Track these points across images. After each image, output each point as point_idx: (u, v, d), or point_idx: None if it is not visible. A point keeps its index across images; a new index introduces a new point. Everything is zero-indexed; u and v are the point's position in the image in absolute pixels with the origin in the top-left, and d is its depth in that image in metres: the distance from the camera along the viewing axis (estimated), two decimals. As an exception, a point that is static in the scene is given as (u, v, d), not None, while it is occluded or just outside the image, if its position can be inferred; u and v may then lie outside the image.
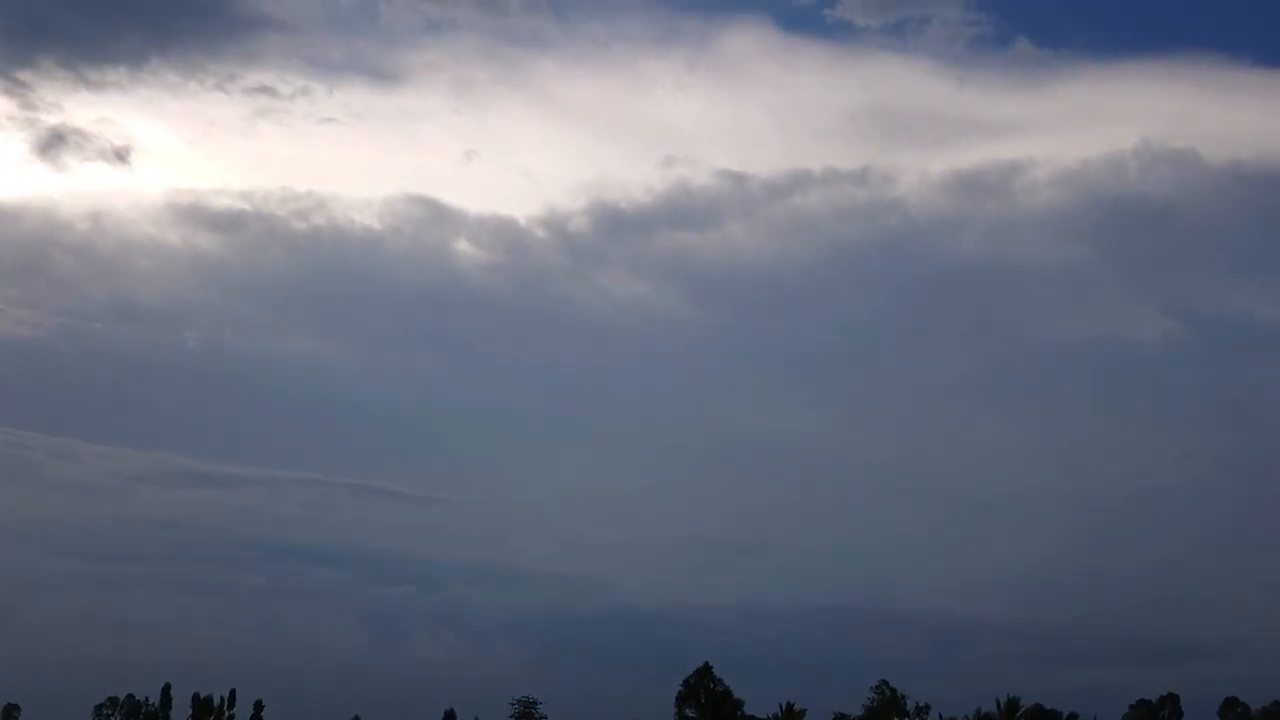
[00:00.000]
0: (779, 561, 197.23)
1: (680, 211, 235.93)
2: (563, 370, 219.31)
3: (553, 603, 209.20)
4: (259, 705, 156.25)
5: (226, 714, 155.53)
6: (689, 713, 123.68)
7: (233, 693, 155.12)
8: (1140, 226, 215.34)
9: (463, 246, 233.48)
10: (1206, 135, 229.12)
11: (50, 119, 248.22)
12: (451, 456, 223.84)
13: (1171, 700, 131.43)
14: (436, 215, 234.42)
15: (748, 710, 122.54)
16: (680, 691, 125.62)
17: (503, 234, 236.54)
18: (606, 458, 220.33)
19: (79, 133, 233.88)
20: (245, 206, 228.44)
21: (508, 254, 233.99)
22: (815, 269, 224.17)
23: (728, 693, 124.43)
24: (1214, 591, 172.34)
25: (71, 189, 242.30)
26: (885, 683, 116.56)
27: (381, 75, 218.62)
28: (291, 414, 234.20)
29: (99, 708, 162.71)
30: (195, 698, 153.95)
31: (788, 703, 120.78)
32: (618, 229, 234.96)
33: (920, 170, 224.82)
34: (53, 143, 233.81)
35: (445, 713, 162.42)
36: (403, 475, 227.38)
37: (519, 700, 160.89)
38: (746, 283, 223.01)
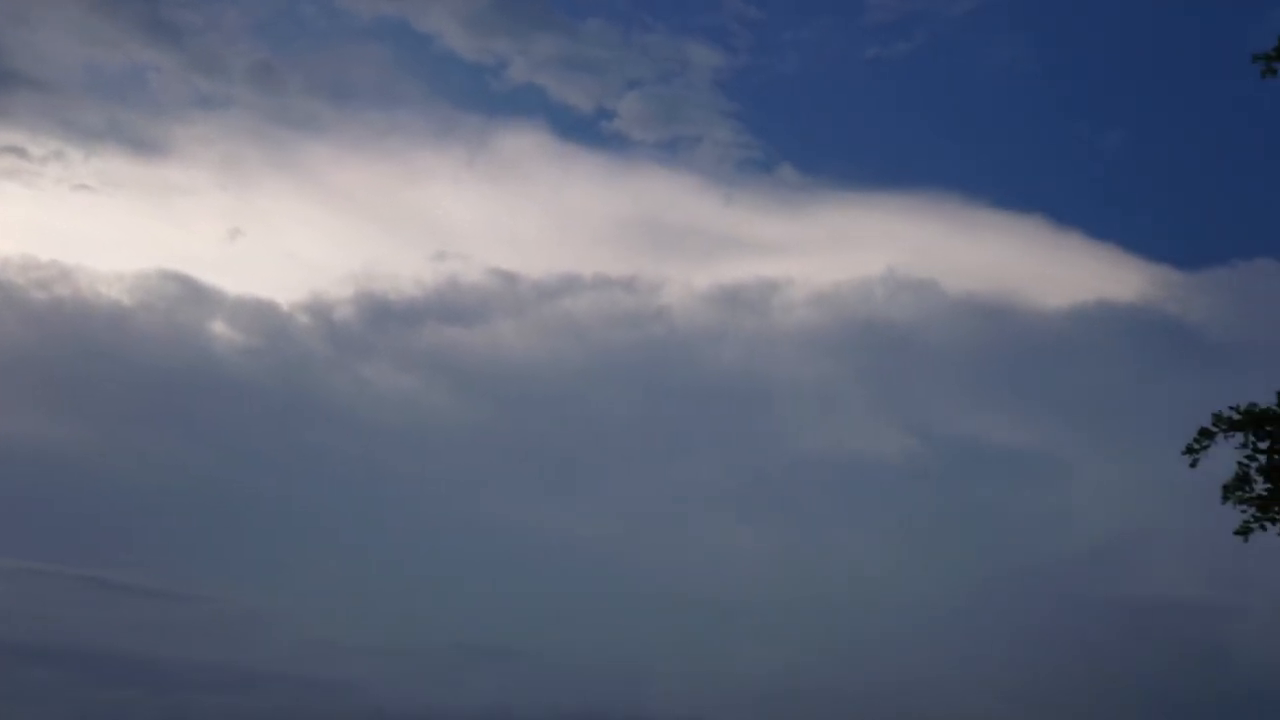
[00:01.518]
0: (533, 665, 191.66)
1: (450, 306, 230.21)
2: (321, 462, 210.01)
3: (292, 707, 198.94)
4: None
5: None
6: None
7: None
8: (885, 349, 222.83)
9: (219, 328, 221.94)
10: (946, 267, 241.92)
11: None
12: (199, 549, 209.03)
13: None
14: (193, 294, 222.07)
15: None
16: None
17: (263, 318, 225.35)
18: (364, 555, 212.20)
19: None
20: None
21: (267, 338, 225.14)
22: (582, 371, 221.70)
23: None
24: (941, 703, 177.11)
25: None
26: None
27: (144, 145, 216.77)
28: (18, 498, 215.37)
29: None
30: None
31: None
32: (384, 320, 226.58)
33: (686, 282, 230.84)
34: None
35: None
36: (143, 568, 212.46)
37: None
38: (513, 380, 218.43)
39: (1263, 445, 5.38)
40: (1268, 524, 5.47)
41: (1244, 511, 5.49)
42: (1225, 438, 5.35)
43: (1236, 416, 5.34)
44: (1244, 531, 5.50)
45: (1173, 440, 5.39)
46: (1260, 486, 5.45)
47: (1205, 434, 5.33)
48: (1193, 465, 5.34)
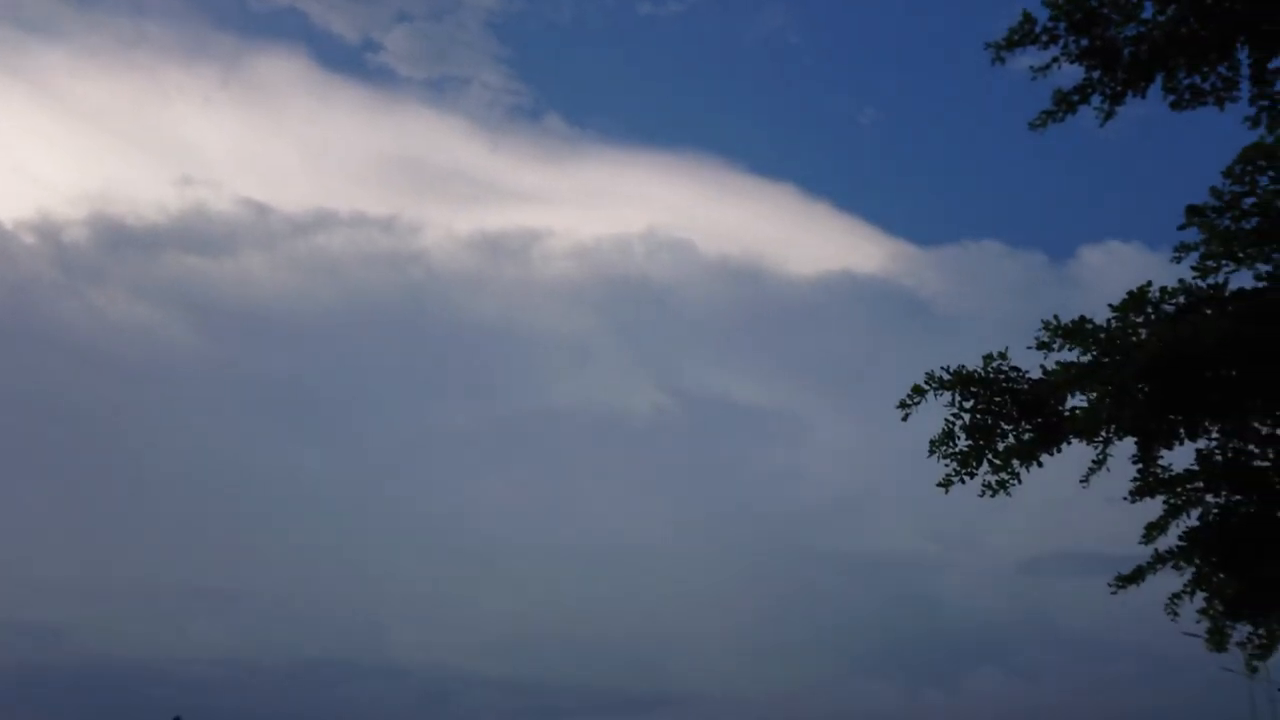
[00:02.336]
0: (265, 610, 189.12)
1: (195, 235, 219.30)
2: (44, 392, 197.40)
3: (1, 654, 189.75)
4: None
5: None
6: None
7: None
8: (641, 305, 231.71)
9: None
10: (703, 229, 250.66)
11: None
12: None
13: None
14: None
15: None
16: None
17: None
18: (78, 490, 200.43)
19: None
20: None
21: None
22: (335, 311, 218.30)
23: None
24: (683, 646, 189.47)
25: None
26: None
27: None
28: None
29: None
30: None
31: None
32: (122, 245, 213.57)
33: (447, 226, 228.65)
34: None
35: None
36: None
37: None
38: (261, 317, 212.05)
39: (967, 405, 5.80)
40: (966, 477, 5.91)
41: (947, 465, 5.92)
42: (936, 396, 5.74)
43: (946, 377, 5.74)
44: (945, 484, 5.94)
45: (899, 411, 5.74)
46: (962, 443, 5.88)
47: (917, 390, 5.71)
48: (904, 419, 5.72)
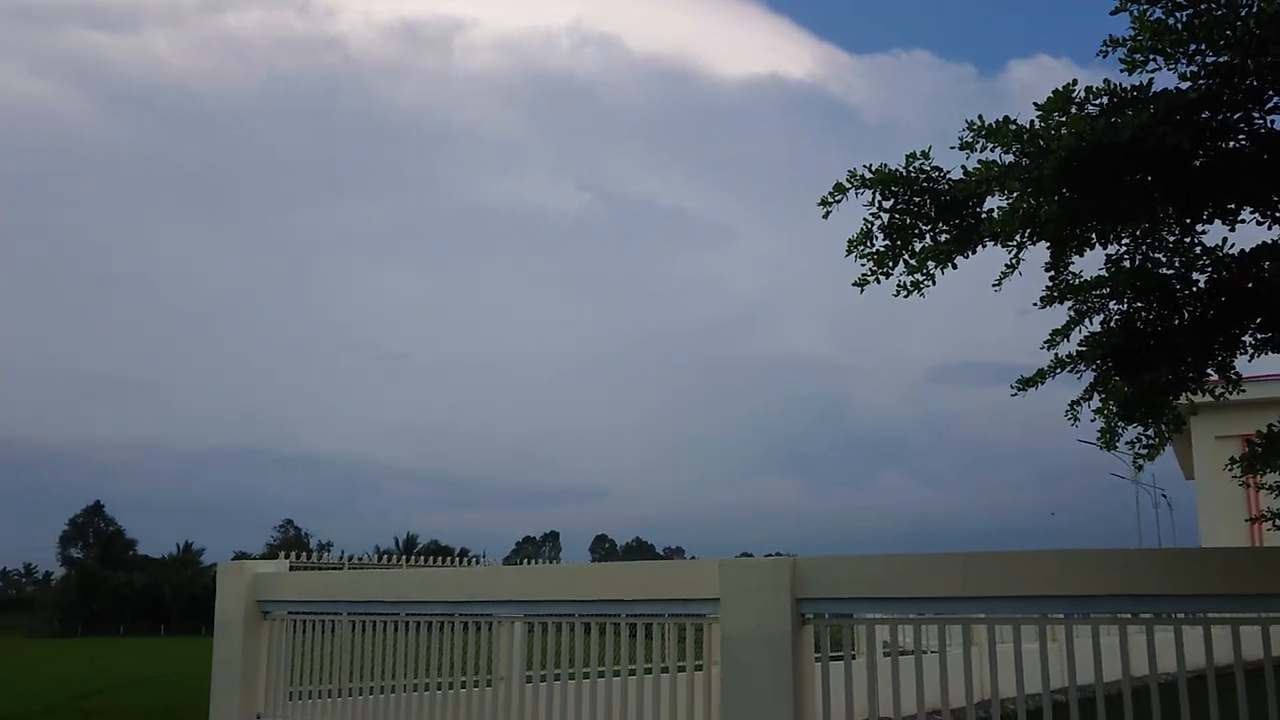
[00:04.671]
0: (182, 401, 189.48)
1: (96, 9, 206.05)
2: None
3: None
4: None
5: None
6: (74, 554, 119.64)
7: None
8: (567, 102, 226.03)
9: None
10: (632, 25, 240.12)
11: None
12: None
13: (552, 537, 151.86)
14: None
15: (140, 550, 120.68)
16: (65, 531, 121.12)
17: None
18: None
19: None
20: None
21: None
22: (246, 96, 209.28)
23: (120, 532, 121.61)
24: (593, 443, 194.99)
25: None
26: (290, 522, 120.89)
27: None
28: None
29: None
30: None
31: (186, 542, 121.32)
32: (17, 17, 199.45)
33: (364, 10, 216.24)
34: None
35: None
36: None
37: None
38: (168, 100, 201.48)
39: (886, 205, 5.79)
40: (882, 278, 5.96)
41: (863, 266, 5.96)
42: (857, 195, 5.71)
43: (869, 175, 5.70)
44: (861, 284, 5.99)
45: (820, 212, 5.69)
46: (880, 243, 5.90)
47: (839, 188, 5.68)
48: (825, 216, 5.69)
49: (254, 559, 11.49)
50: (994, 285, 6.18)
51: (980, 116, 5.17)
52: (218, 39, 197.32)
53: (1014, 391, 6.72)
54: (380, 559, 17.59)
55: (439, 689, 9.50)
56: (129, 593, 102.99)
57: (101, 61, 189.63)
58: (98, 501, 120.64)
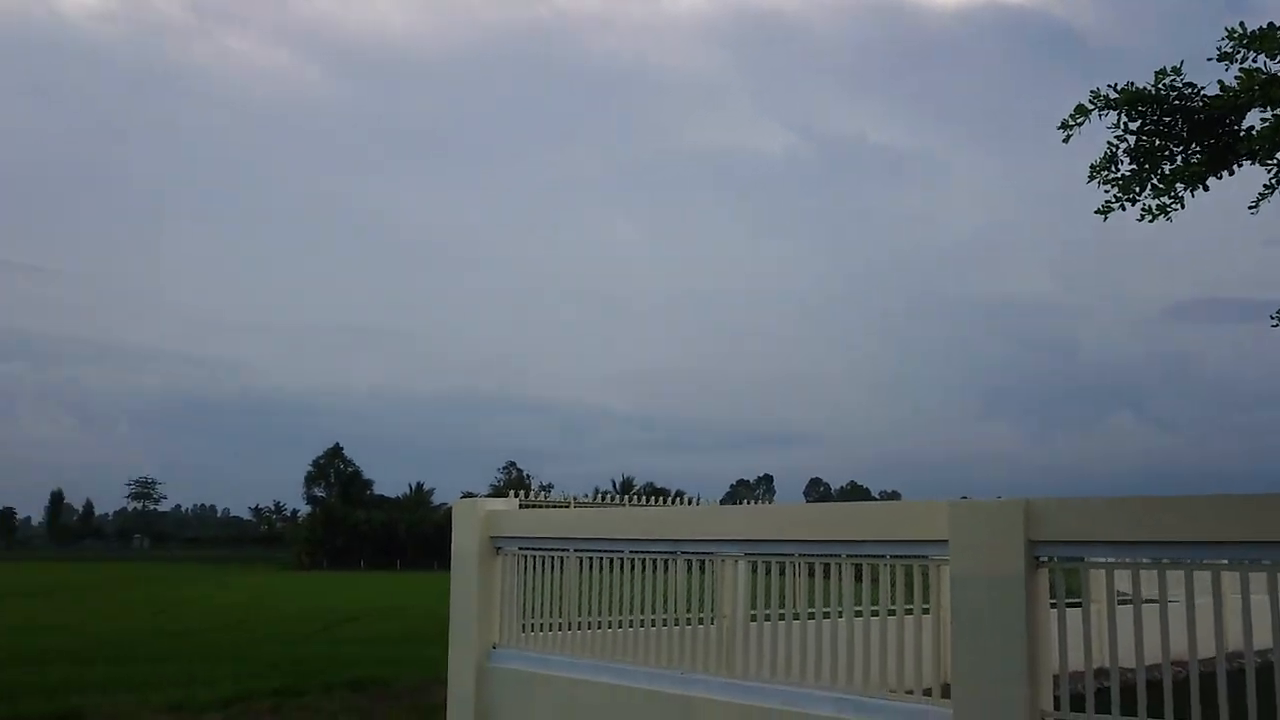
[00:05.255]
0: (414, 348, 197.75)
1: None
2: (190, 138, 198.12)
3: (179, 384, 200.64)
4: None
5: None
6: (318, 492, 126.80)
7: None
8: (773, 42, 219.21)
9: None
10: None
11: None
12: (69, 224, 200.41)
13: (766, 480, 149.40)
14: None
15: (377, 490, 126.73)
16: (309, 471, 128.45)
17: None
18: (238, 235, 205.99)
19: None
20: None
21: (122, 2, 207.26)
22: (469, 51, 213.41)
23: (358, 473, 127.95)
24: (809, 386, 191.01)
25: None
26: (513, 464, 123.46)
27: None
28: None
29: None
30: None
31: (417, 483, 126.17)
32: None
33: None
34: None
35: (52, 494, 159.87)
36: (14, 243, 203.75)
37: (136, 480, 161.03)
38: (396, 59, 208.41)
39: (1133, 126, 5.44)
40: (1127, 204, 5.61)
41: (1107, 192, 5.62)
42: (1100, 116, 5.38)
43: (1114, 95, 5.35)
44: (1105, 211, 5.66)
45: (1047, 142, 5.42)
46: (1125, 167, 5.56)
47: (1081, 110, 5.36)
48: (1065, 140, 5.39)
49: (473, 497, 12.00)
50: (1250, 207, 5.73)
51: (1241, 24, 4.76)
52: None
53: (1275, 323, 6.23)
54: (598, 500, 18.03)
55: (664, 624, 9.71)
56: (367, 530, 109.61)
57: (333, 26, 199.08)
58: (337, 444, 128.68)
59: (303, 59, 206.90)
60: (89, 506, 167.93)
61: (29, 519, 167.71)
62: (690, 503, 12.81)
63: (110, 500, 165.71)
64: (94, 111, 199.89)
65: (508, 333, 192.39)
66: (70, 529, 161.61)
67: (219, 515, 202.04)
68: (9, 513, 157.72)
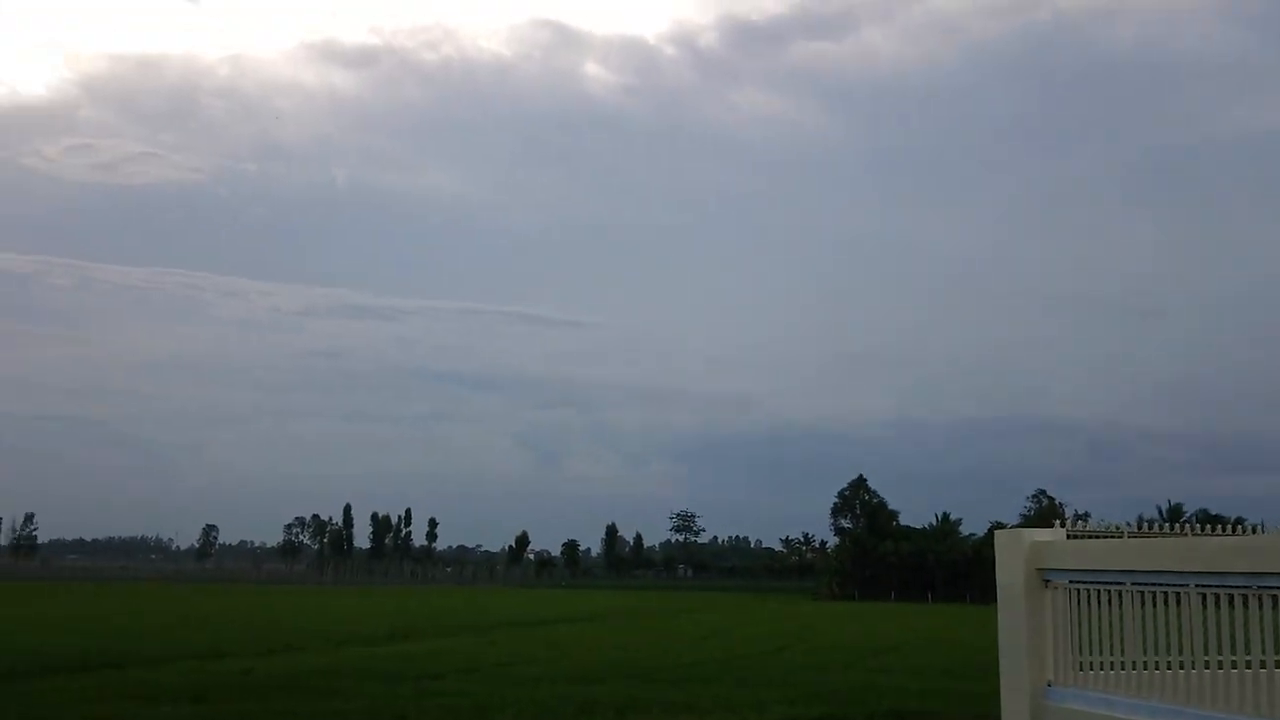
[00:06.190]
0: (927, 374, 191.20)
1: (814, 20, 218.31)
2: (698, 189, 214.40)
3: (705, 420, 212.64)
4: (432, 523, 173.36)
5: (403, 531, 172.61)
6: (844, 523, 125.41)
7: (408, 512, 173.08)
8: None
9: (592, 69, 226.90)
10: None
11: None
12: (595, 279, 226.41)
13: None
14: (564, 39, 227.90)
15: (902, 521, 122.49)
16: (835, 503, 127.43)
17: (631, 54, 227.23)
18: (746, 276, 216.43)
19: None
20: (376, 41, 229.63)
21: (638, 75, 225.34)
22: (956, 71, 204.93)
23: (882, 504, 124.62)
24: None
25: (209, 33, 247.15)
26: (1043, 491, 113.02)
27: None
28: (441, 244, 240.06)
29: (288, 527, 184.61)
30: (374, 516, 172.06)
31: (943, 513, 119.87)
32: (749, 42, 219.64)
33: None
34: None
35: (606, 527, 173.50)
36: (550, 300, 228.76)
37: (677, 514, 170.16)
38: (884, 90, 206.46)
39: None
40: None
41: None
42: None
43: None
44: None
45: None
46: None
47: None
48: None
49: (1014, 528, 11.53)
50: None
51: None
52: (925, 21, 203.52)
53: None
54: (1144, 528, 16.68)
55: (1246, 668, 8.75)
56: (895, 560, 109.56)
57: (824, 67, 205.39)
58: (861, 475, 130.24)
59: (798, 102, 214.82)
60: (638, 539, 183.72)
61: (589, 550, 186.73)
62: (1252, 531, 11.46)
63: (656, 532, 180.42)
64: (615, 177, 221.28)
65: (1019, 351, 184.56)
66: (624, 559, 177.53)
67: (752, 546, 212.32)
68: (573, 545, 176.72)
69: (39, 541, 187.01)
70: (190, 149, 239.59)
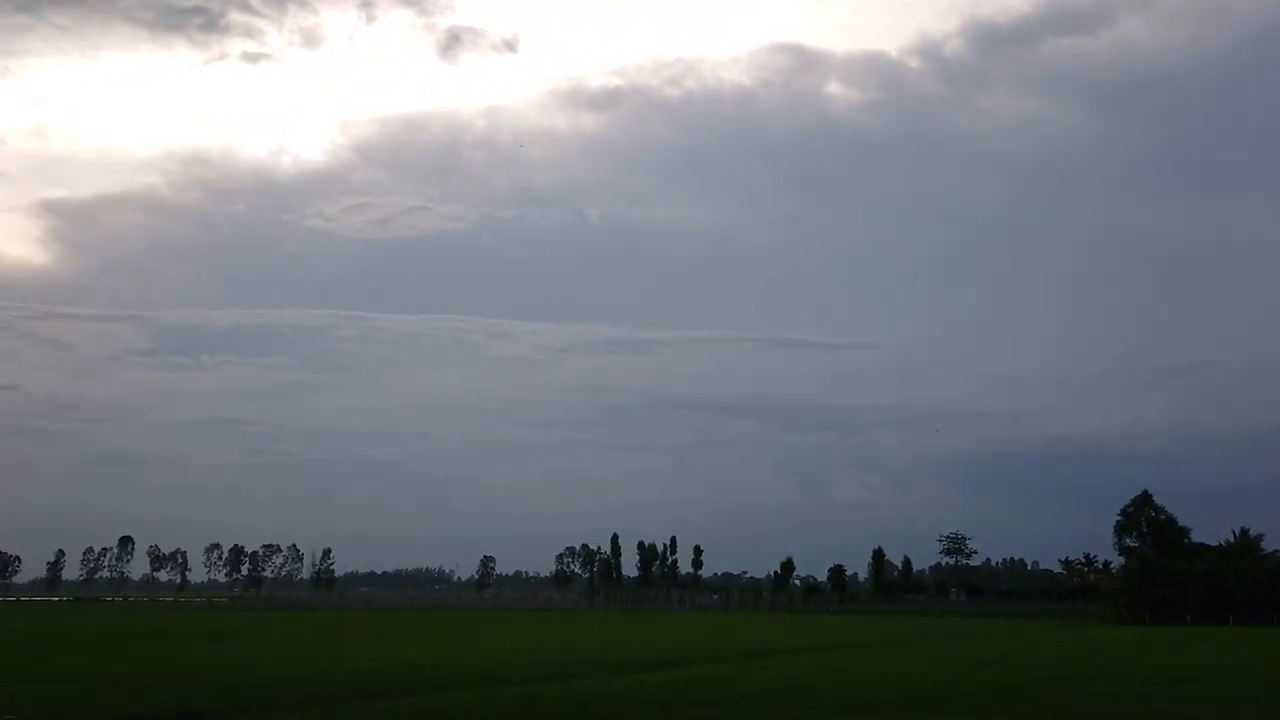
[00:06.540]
0: (1215, 381, 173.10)
1: (1065, 14, 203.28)
2: (949, 202, 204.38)
3: (972, 439, 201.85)
4: (698, 550, 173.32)
5: (669, 558, 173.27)
6: (1129, 542, 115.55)
7: (673, 540, 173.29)
8: None
9: (835, 89, 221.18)
10: None
11: (445, 21, 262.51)
12: (849, 301, 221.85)
13: None
14: (804, 60, 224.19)
15: (1194, 538, 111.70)
16: (1119, 521, 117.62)
17: (875, 70, 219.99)
18: (1006, 287, 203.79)
19: (472, 30, 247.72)
20: (619, 82, 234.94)
21: (882, 90, 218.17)
22: (1229, 56, 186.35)
23: (1171, 520, 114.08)
24: None
25: (465, 91, 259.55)
26: None
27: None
28: (693, 276, 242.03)
29: (559, 556, 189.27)
30: (640, 545, 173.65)
31: (1241, 528, 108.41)
32: (996, 46, 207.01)
33: None
34: (451, 43, 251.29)
35: (874, 551, 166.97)
36: (804, 325, 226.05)
37: (947, 536, 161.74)
38: (1149, 83, 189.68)
39: None
40: None
41: None
42: None
43: None
44: None
45: None
46: None
47: None
48: None
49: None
50: None
51: None
52: (1190, 4, 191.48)
53: None
54: None
55: None
56: (1189, 581, 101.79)
57: (1079, 64, 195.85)
58: (1146, 491, 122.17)
59: (1054, 101, 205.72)
60: (907, 562, 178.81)
61: (856, 575, 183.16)
62: None
63: (925, 556, 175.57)
64: (868, 197, 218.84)
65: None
66: (892, 584, 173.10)
67: (1028, 568, 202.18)
68: (839, 570, 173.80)
69: (336, 575, 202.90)
70: (454, 200, 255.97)
